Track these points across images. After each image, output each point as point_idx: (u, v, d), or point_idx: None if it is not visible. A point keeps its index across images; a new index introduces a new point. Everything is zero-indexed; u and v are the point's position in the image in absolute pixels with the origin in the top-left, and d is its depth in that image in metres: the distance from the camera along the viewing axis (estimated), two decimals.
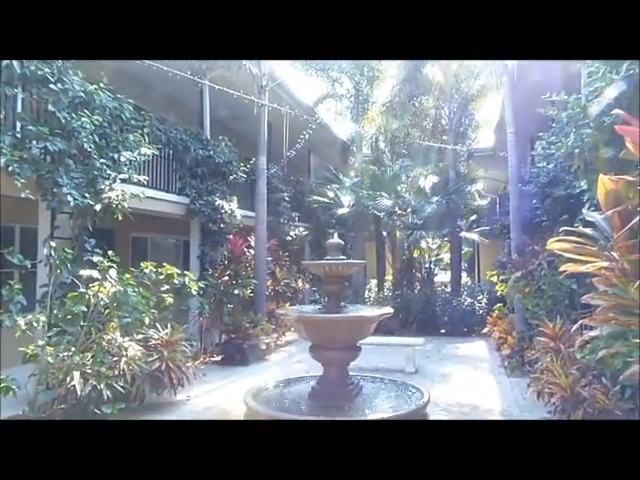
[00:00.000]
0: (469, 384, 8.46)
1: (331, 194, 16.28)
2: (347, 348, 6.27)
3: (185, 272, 8.69)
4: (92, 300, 6.50)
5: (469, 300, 13.88)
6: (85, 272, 6.83)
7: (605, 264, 2.53)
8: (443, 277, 25.51)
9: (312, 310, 6.70)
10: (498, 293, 9.90)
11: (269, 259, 12.64)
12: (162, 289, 7.84)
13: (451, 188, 14.61)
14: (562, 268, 2.84)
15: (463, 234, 15.56)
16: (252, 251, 11.87)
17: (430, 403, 6.41)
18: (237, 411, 6.67)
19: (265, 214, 11.98)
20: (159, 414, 6.75)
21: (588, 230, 2.96)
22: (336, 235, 6.71)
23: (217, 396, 7.75)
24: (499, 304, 11.31)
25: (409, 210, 15.34)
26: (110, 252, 6.90)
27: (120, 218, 7.61)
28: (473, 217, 16.32)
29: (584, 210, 3.30)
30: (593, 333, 3.04)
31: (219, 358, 10.28)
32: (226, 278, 10.83)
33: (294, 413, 5.78)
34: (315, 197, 16.01)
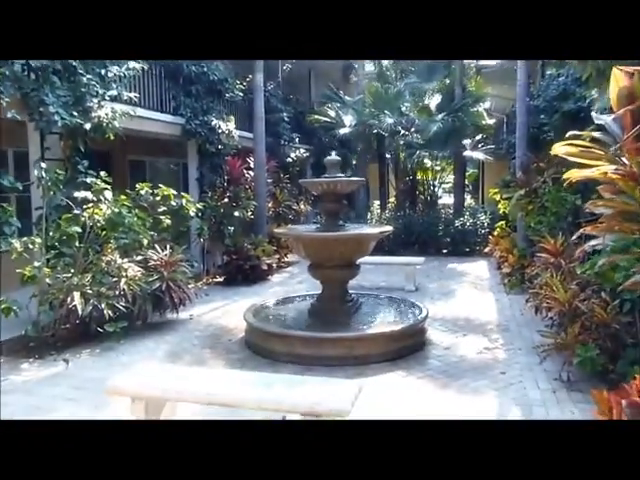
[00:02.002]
0: (468, 300, 8.53)
1: (332, 113, 15.75)
2: (346, 266, 6.26)
3: (182, 194, 8.55)
4: (87, 222, 6.43)
5: (471, 221, 13.76)
6: (80, 194, 6.72)
7: (612, 168, 2.35)
8: (447, 200, 25.38)
9: (310, 229, 6.63)
10: (501, 212, 9.75)
11: (269, 181, 12.44)
12: (159, 211, 7.74)
13: (457, 105, 14.05)
14: (566, 175, 2.67)
15: (468, 153, 15.18)
16: (251, 173, 11.65)
17: (428, 318, 6.50)
18: (238, 328, 6.79)
19: (263, 134, 11.63)
20: (162, 332, 6.88)
21: (597, 134, 2.76)
22: (334, 153, 6.50)
23: (219, 314, 7.87)
24: (501, 222, 11.20)
25: (413, 129, 14.89)
26: (103, 173, 6.73)
27: (112, 138, 7.38)
28: (479, 136, 15.84)
29: (593, 114, 3.07)
30: (594, 242, 2.93)
31: (221, 279, 10.39)
32: (226, 200, 10.71)
33: (293, 329, 5.87)
34: (316, 116, 15.51)
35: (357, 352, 5.44)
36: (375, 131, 14.80)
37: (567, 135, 2.75)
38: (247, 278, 10.05)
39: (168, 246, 7.56)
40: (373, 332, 5.71)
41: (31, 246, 5.88)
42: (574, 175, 2.53)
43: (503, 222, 11.09)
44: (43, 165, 6.40)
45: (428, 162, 17.35)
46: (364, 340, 5.59)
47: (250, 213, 11.11)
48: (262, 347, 5.78)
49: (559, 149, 2.55)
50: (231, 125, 11.09)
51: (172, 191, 8.13)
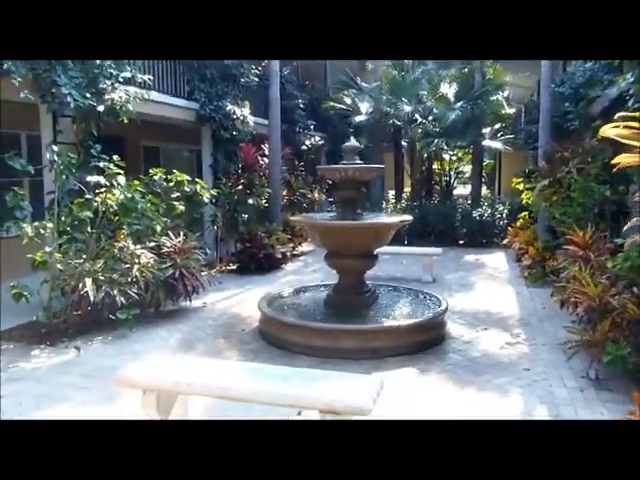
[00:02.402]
0: (487, 293, 8.31)
1: (348, 100, 15.48)
2: (363, 256, 6.07)
3: (196, 180, 8.39)
4: (100, 207, 6.30)
5: (489, 211, 13.45)
6: (93, 178, 6.59)
7: None
8: (462, 190, 25.01)
9: (327, 217, 6.44)
10: (524, 202, 9.46)
11: (284, 168, 12.24)
12: (172, 197, 7.60)
13: (477, 92, 13.68)
14: (616, 160, 2.44)
15: (486, 142, 14.84)
16: (266, 160, 11.46)
17: (447, 311, 6.30)
18: (252, 318, 6.65)
19: (279, 121, 11.41)
20: (175, 320, 6.75)
21: None
22: (353, 139, 6.28)
23: (233, 303, 7.74)
24: (524, 213, 10.88)
25: (430, 118, 14.57)
26: (116, 157, 6.58)
27: (125, 121, 7.22)
28: (498, 125, 15.49)
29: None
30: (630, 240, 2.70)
31: (235, 267, 10.26)
32: (240, 187, 10.55)
33: (309, 320, 5.70)
34: (332, 103, 15.24)
35: (374, 345, 5.27)
36: (391, 120, 14.51)
37: (617, 117, 2.52)
38: (261, 267, 9.89)
39: (181, 233, 7.42)
40: (391, 324, 5.52)
41: (42, 231, 5.77)
42: (626, 160, 2.30)
43: (526, 213, 10.76)
44: (55, 148, 6.27)
45: (445, 152, 17.03)
46: (382, 332, 5.41)
47: (264, 201, 10.93)
48: (277, 338, 5.63)
49: (609, 131, 2.33)
50: (246, 111, 10.89)
51: (186, 177, 7.98)
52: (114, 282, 6.06)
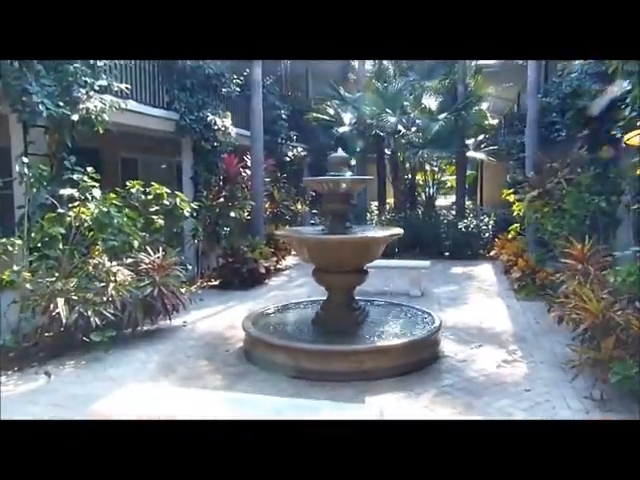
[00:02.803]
0: (478, 307, 8.10)
1: (331, 111, 15.29)
2: (353, 271, 5.80)
3: (176, 192, 8.06)
4: (73, 222, 5.93)
5: (475, 223, 13.31)
6: (66, 191, 6.23)
7: None
8: (442, 201, 24.96)
9: (315, 231, 6.16)
10: (514, 213, 9.30)
11: (267, 180, 11.95)
12: (151, 210, 7.25)
13: (460, 104, 13.60)
14: (627, 136, 2.23)
15: (470, 153, 14.76)
16: (248, 171, 11.16)
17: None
18: (236, 337, 6.32)
19: (261, 131, 11.14)
20: (154, 341, 6.38)
21: None
22: (340, 150, 6.04)
23: (215, 321, 7.38)
24: (515, 225, 10.72)
25: (414, 129, 14.47)
26: (90, 169, 6.24)
27: (101, 131, 6.87)
28: (481, 137, 15.45)
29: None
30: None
31: (217, 282, 9.90)
32: (221, 200, 10.23)
33: (297, 340, 5.39)
34: (315, 114, 15.03)
35: (367, 366, 4.98)
36: (374, 131, 14.33)
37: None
38: (244, 282, 9.55)
39: (160, 248, 7.07)
40: (384, 344, 5.24)
41: (10, 248, 5.38)
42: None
43: (517, 225, 10.61)
44: (25, 160, 5.90)
45: (427, 163, 16.92)
46: (375, 353, 5.12)
47: (247, 213, 10.62)
48: (263, 359, 5.30)
49: (635, 138, 2.11)
50: (227, 121, 10.60)
51: (165, 189, 7.64)
52: (88, 302, 5.69)
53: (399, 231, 5.86)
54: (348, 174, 5.88)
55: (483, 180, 23.11)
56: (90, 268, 6.16)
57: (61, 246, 5.66)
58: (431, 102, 15.56)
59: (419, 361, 5.27)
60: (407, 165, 15.96)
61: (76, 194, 6.08)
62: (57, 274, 5.69)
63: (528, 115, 9.63)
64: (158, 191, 7.44)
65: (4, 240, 5.41)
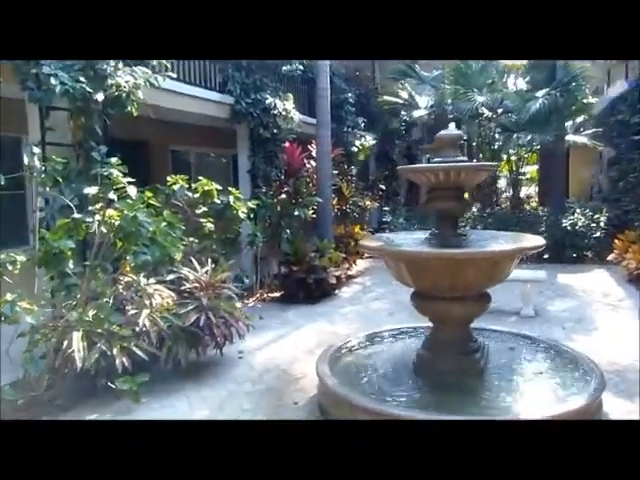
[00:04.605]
0: (615, 333, 6.15)
1: (404, 94, 13.46)
2: (472, 297, 4.07)
3: (229, 189, 6.56)
4: (97, 230, 4.53)
5: (582, 220, 11.08)
6: (90, 190, 4.86)
7: None
8: (524, 192, 22.60)
9: (413, 240, 4.44)
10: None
11: (334, 172, 10.33)
12: (198, 212, 5.79)
13: (566, 78, 11.41)
14: None
15: (570, 137, 12.55)
16: (313, 163, 9.59)
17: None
18: (307, 378, 4.78)
19: (329, 116, 9.50)
20: (200, 382, 4.92)
21: None
22: (453, 125, 4.30)
23: (278, 350, 5.86)
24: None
25: (500, 110, 12.44)
26: (114, 160, 4.85)
27: (135, 113, 5.46)
28: (581, 118, 13.18)
29: None
30: None
31: (278, 294, 8.41)
32: (283, 196, 8.72)
33: (397, 404, 3.71)
34: (386, 98, 13.24)
35: None
36: (453, 114, 12.37)
37: None
38: (311, 294, 8.00)
39: (210, 260, 5.61)
40: (535, 416, 3.46)
41: (10, 266, 4.02)
42: None
43: None
44: (36, 150, 4.53)
45: (514, 150, 14.77)
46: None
47: (312, 212, 9.04)
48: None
49: None
50: (289, 104, 9.05)
51: (215, 186, 6.16)
52: (114, 336, 4.28)
53: (540, 242, 4.04)
54: (461, 159, 4.16)
55: (569, 169, 20.56)
56: (120, 289, 4.78)
57: (71, 265, 4.23)
58: (518, 81, 13.52)
59: None
60: (487, 153, 13.91)
61: (101, 194, 4.69)
62: (73, 300, 4.32)
63: None
64: (207, 187, 5.96)
65: (3, 256, 4.05)
